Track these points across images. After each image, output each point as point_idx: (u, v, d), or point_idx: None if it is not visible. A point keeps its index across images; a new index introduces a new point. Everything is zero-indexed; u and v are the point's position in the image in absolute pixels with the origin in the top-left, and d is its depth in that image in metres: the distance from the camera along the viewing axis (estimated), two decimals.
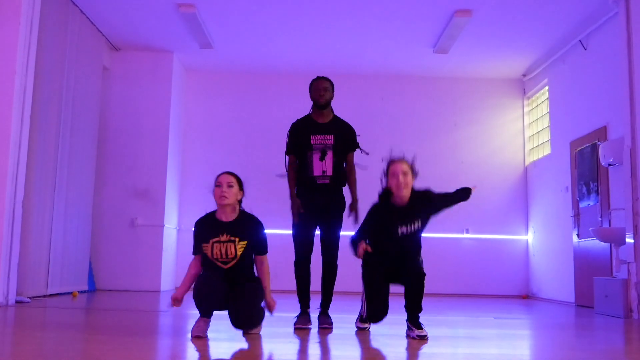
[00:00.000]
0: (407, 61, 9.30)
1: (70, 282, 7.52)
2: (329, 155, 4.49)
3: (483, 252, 9.62)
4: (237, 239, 3.89)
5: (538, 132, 9.66)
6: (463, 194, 4.36)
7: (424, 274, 4.07)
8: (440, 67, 9.48)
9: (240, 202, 4.01)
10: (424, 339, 3.97)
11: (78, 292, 7.58)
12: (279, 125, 10.39)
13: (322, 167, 4.49)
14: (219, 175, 3.96)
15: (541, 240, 9.22)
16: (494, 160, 9.87)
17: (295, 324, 4.49)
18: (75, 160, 7.62)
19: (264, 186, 9.23)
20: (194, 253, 4.01)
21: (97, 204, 8.57)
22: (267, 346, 3.70)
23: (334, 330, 4.31)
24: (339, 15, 7.69)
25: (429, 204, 4.21)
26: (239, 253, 3.89)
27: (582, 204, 7.82)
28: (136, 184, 8.90)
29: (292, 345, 3.77)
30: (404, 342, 4.00)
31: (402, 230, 4.12)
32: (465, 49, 8.68)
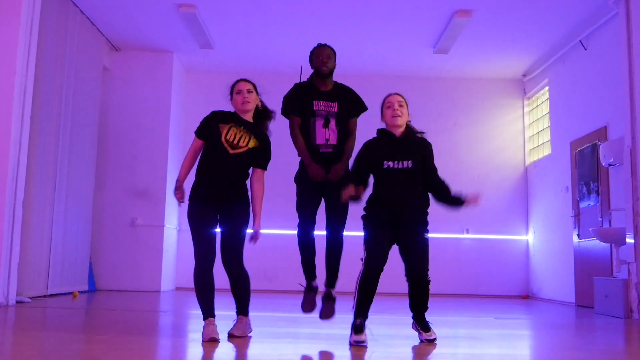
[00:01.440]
0: (407, 61, 9.30)
1: (70, 282, 7.52)
2: (332, 123, 4.22)
3: (483, 252, 9.62)
4: (252, 135, 3.97)
5: (538, 132, 9.66)
6: (456, 199, 4.05)
7: (428, 281, 3.96)
8: (440, 67, 9.48)
9: (257, 106, 4.11)
10: (432, 342, 3.91)
11: (78, 292, 7.58)
12: (279, 126, 10.42)
13: (326, 134, 4.21)
14: (235, 84, 4.10)
15: (541, 240, 9.22)
16: (494, 160, 9.87)
17: (302, 306, 4.28)
18: (75, 160, 7.62)
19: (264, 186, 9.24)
20: (198, 135, 3.99)
21: (97, 204, 8.57)
22: (268, 346, 3.70)
23: (335, 330, 4.29)
24: (339, 15, 7.68)
25: (424, 151, 4.03)
26: (250, 145, 3.94)
27: (583, 204, 7.81)
28: (136, 184, 8.89)
29: (291, 346, 3.76)
30: (404, 342, 4.00)
31: (388, 164, 3.90)
32: (466, 49, 8.68)
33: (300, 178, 4.29)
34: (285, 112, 4.36)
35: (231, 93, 4.10)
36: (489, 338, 4.41)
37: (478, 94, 9.96)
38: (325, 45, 4.50)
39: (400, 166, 3.91)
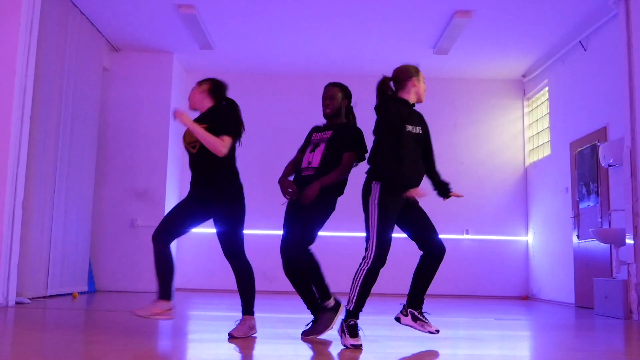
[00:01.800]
0: (407, 61, 9.23)
1: (70, 283, 7.52)
2: (320, 147, 4.09)
3: (483, 253, 9.62)
4: (206, 125, 3.94)
5: (538, 132, 9.66)
6: (443, 186, 4.09)
7: (444, 249, 3.91)
8: (440, 67, 9.48)
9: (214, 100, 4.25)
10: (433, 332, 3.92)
11: (78, 293, 7.58)
12: (279, 126, 10.45)
13: (309, 157, 4.10)
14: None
15: (541, 241, 9.22)
16: (494, 161, 9.87)
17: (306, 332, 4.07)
18: (75, 161, 7.62)
19: (263, 187, 9.25)
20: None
21: (97, 205, 8.56)
22: (268, 347, 3.70)
23: (335, 332, 4.29)
24: (339, 16, 7.69)
25: (426, 125, 4.10)
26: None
27: (582, 205, 7.82)
28: (136, 184, 8.90)
29: (289, 347, 3.76)
30: (404, 343, 4.00)
31: (409, 128, 3.88)
32: (465, 50, 8.68)
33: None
34: None
35: None
36: (489, 339, 4.41)
37: (478, 94, 9.96)
38: (330, 84, 4.29)
39: (417, 131, 3.94)
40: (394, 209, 3.78)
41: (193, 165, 4.00)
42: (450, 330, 4.76)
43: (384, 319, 5.07)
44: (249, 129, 4.50)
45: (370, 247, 3.69)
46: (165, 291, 3.92)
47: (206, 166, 3.94)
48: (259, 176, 8.19)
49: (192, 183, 4.03)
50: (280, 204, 4.23)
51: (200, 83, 4.26)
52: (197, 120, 4.03)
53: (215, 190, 3.93)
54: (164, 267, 3.94)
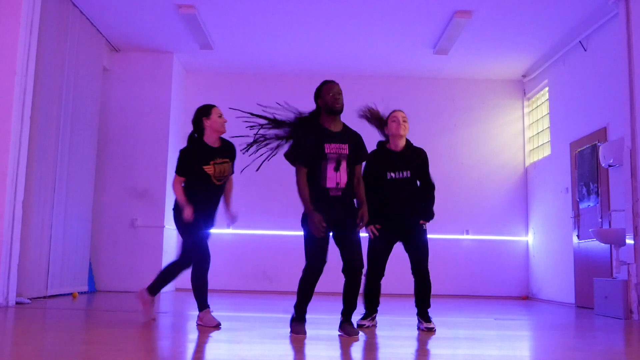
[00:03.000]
0: (407, 62, 9.30)
1: (70, 283, 7.52)
2: (343, 165, 4.13)
3: (483, 253, 9.61)
4: (229, 160, 4.63)
5: (538, 133, 9.66)
6: (428, 209, 4.70)
7: (427, 275, 4.63)
8: (440, 68, 9.48)
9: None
10: (431, 331, 4.50)
11: (78, 293, 7.58)
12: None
13: (337, 178, 4.11)
14: (214, 107, 4.65)
15: (541, 241, 9.22)
16: (494, 161, 9.87)
17: (292, 331, 4.16)
18: (75, 161, 7.61)
19: (263, 187, 9.26)
20: (180, 174, 4.62)
21: (97, 205, 8.56)
22: (268, 346, 3.70)
23: (335, 332, 4.29)
24: (339, 16, 7.69)
25: (420, 159, 4.72)
26: (230, 170, 4.66)
27: (582, 205, 7.81)
28: (136, 184, 8.89)
29: (290, 347, 3.76)
30: (404, 342, 4.00)
31: (391, 174, 4.59)
32: (465, 50, 8.68)
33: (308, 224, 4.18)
34: (293, 160, 4.20)
35: (212, 113, 4.63)
36: (489, 339, 4.41)
37: (478, 94, 9.96)
38: (333, 81, 4.30)
39: (400, 176, 4.61)
40: (385, 246, 4.78)
41: (213, 191, 4.60)
42: (450, 330, 4.76)
43: (385, 319, 5.07)
44: (249, 129, 4.53)
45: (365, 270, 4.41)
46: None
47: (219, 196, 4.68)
48: (260, 176, 8.16)
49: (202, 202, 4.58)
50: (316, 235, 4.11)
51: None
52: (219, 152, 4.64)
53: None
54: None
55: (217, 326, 4.36)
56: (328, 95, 4.17)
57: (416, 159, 4.70)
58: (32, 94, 6.25)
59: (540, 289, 9.14)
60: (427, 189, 4.74)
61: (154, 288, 4.74)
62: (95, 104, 8.29)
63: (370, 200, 4.44)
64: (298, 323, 4.15)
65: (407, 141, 4.76)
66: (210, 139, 4.60)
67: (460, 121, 9.90)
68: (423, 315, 4.63)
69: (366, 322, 4.74)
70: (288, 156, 4.23)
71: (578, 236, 7.90)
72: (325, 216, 4.03)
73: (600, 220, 7.34)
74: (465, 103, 9.94)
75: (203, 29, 8.02)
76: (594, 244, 7.43)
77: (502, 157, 9.89)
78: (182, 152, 4.62)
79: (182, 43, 8.70)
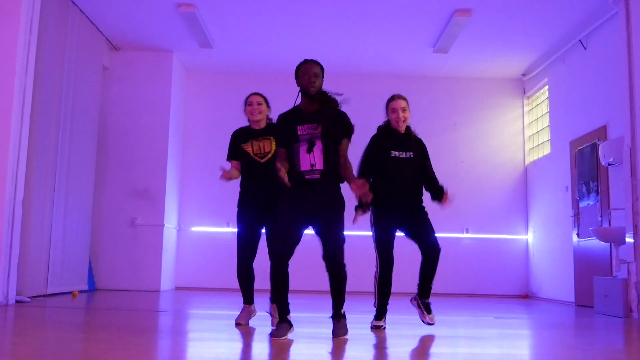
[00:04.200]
0: (407, 61, 9.30)
1: (70, 281, 7.52)
2: (318, 145, 3.93)
3: (483, 251, 9.62)
4: (271, 137, 4.71)
5: (538, 131, 9.66)
6: (439, 190, 4.71)
7: (440, 249, 4.54)
8: (440, 66, 9.48)
9: (267, 116, 4.93)
10: (429, 310, 4.59)
11: (78, 291, 7.58)
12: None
13: (311, 159, 3.92)
14: (248, 97, 4.88)
15: (541, 239, 9.22)
16: (494, 159, 9.87)
17: (271, 334, 3.94)
18: (75, 160, 7.62)
19: None
20: (228, 159, 4.81)
21: (97, 204, 8.56)
22: (268, 346, 3.70)
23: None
24: (339, 15, 7.68)
25: (421, 147, 4.72)
26: (273, 147, 4.65)
27: (582, 204, 7.82)
28: (136, 183, 8.89)
29: (294, 345, 3.76)
30: (404, 342, 4.00)
31: (395, 153, 4.54)
32: (465, 49, 8.68)
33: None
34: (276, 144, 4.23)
35: (246, 102, 4.90)
36: (489, 338, 4.41)
37: (478, 93, 9.96)
38: (312, 61, 4.07)
39: (405, 156, 4.56)
40: (391, 231, 4.63)
41: (258, 170, 4.66)
42: (450, 329, 4.76)
43: (386, 318, 5.06)
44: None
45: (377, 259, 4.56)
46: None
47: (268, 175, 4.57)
48: None
49: (250, 182, 4.72)
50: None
51: (262, 100, 4.94)
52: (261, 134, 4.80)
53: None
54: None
55: (238, 325, 4.56)
56: (304, 78, 4.02)
57: (418, 144, 4.72)
58: (32, 93, 6.25)
59: (540, 288, 9.15)
60: (433, 182, 4.77)
61: (271, 297, 4.40)
62: (95, 103, 8.29)
63: (375, 181, 4.53)
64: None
65: (408, 127, 4.75)
66: (253, 125, 4.88)
67: (460, 120, 9.90)
68: (425, 304, 4.60)
69: (382, 323, 4.59)
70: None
71: (578, 235, 7.90)
72: (300, 202, 3.91)
73: (600, 218, 7.35)
74: (465, 102, 9.94)
75: (203, 28, 8.02)
76: (593, 243, 7.43)
77: (502, 156, 9.89)
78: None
79: (182, 42, 8.70)
